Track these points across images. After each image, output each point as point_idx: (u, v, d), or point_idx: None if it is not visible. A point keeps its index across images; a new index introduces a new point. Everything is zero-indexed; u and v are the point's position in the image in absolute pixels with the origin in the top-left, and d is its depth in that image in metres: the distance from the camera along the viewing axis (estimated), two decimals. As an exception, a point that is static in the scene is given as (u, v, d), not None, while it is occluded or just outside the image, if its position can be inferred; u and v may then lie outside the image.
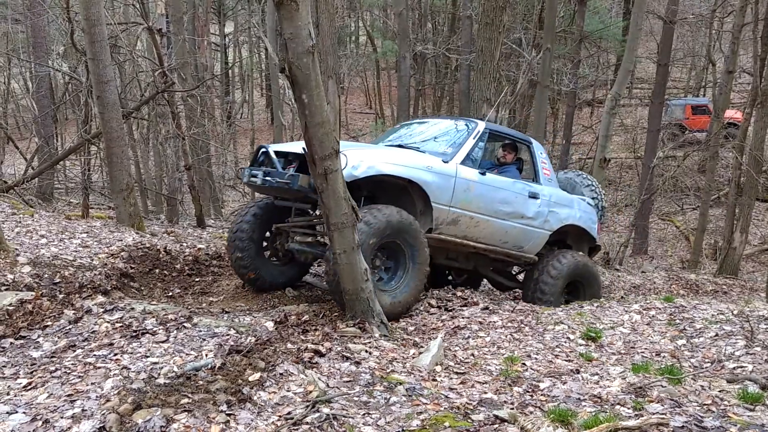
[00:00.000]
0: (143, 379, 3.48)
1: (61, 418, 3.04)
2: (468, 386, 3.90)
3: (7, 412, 3.11)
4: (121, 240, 7.38)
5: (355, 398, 3.45)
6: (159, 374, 3.56)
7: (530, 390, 3.85)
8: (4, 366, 3.79)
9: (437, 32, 23.49)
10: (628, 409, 3.45)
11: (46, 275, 5.57)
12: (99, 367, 3.68)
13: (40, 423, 2.99)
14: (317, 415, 3.14)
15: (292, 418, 3.12)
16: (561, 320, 5.51)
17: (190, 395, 3.29)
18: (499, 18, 9.55)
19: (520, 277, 7.71)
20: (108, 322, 4.47)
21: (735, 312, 5.65)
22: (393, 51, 21.99)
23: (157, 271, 6.71)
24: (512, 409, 3.47)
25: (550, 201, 6.88)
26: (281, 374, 3.65)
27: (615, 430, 3.05)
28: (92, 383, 3.45)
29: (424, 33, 23.33)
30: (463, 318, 5.57)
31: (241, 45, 30.03)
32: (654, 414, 3.28)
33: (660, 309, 5.90)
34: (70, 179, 14.23)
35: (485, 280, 7.98)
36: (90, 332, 4.31)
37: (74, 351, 4.00)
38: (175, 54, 12.07)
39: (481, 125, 6.58)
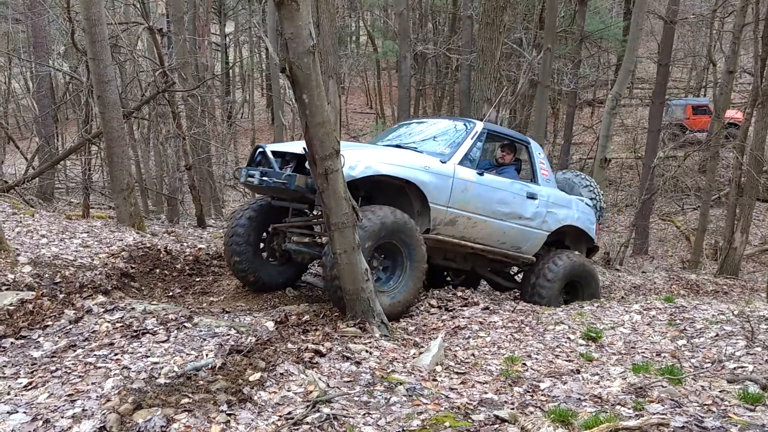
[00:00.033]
0: (144, 378, 3.48)
1: (62, 417, 3.04)
2: (468, 386, 3.90)
3: (8, 412, 3.11)
4: (122, 240, 7.38)
5: (356, 398, 3.45)
6: (159, 374, 3.56)
7: (530, 390, 3.85)
8: (4, 366, 3.79)
9: (438, 32, 23.50)
10: (629, 409, 3.45)
11: (47, 275, 5.57)
12: (99, 367, 3.68)
13: (41, 423, 2.99)
14: (318, 415, 3.14)
15: (292, 418, 3.12)
16: (561, 320, 5.51)
17: (190, 395, 3.29)
18: (499, 18, 9.56)
19: (519, 277, 7.70)
20: (108, 321, 4.47)
21: (735, 312, 5.65)
22: (393, 51, 22.00)
23: (157, 270, 6.71)
24: (512, 409, 3.47)
25: (548, 201, 6.87)
26: (282, 374, 3.65)
27: (615, 430, 3.05)
28: (93, 383, 3.45)
29: (425, 33, 23.34)
30: (463, 318, 5.57)
31: (241, 45, 30.03)
32: (654, 414, 3.28)
33: (660, 309, 5.89)
34: (71, 179, 14.22)
35: (484, 281, 7.97)
36: (90, 332, 4.31)
37: (75, 351, 4.00)
38: (175, 54, 12.08)
39: (479, 125, 6.57)
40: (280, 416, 3.16)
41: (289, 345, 4.24)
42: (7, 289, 5.10)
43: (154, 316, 4.56)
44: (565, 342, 4.96)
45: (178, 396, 3.26)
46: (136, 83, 13.71)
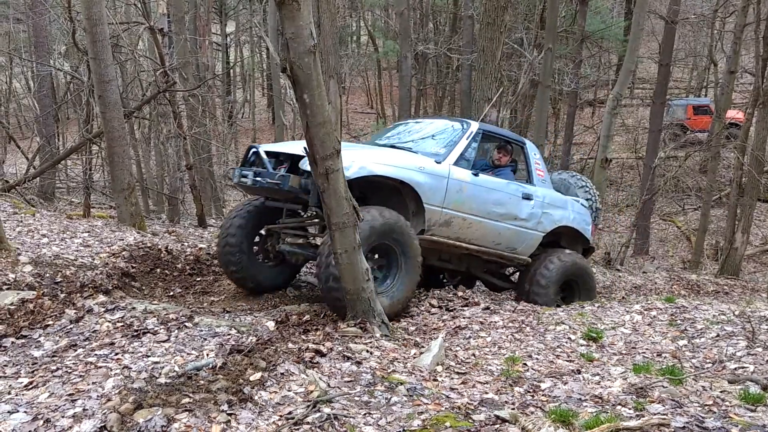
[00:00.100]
0: (144, 378, 3.48)
1: (62, 417, 3.04)
2: (469, 386, 3.89)
3: (9, 411, 3.11)
4: (123, 239, 7.38)
5: (356, 398, 3.45)
6: (160, 374, 3.56)
7: (531, 390, 3.85)
8: (5, 365, 3.79)
9: (439, 32, 23.50)
10: (629, 409, 3.44)
11: (48, 274, 5.57)
12: (100, 367, 3.68)
13: (41, 422, 2.99)
14: (318, 414, 3.14)
15: (293, 418, 3.12)
16: (562, 320, 5.51)
17: (191, 395, 3.29)
18: (500, 18, 9.55)
19: (514, 277, 7.68)
20: (109, 321, 4.47)
21: (736, 312, 5.64)
22: (394, 51, 22.00)
23: (158, 270, 6.71)
24: (513, 409, 3.47)
25: (543, 202, 6.85)
26: (282, 374, 3.65)
27: (616, 430, 3.05)
28: (93, 383, 3.45)
29: (426, 33, 23.34)
30: (464, 318, 5.57)
31: (242, 44, 30.03)
32: (655, 414, 3.28)
33: (661, 309, 5.89)
34: (72, 179, 14.22)
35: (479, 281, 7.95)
36: (91, 332, 4.31)
37: (75, 350, 4.00)
38: (176, 53, 12.07)
39: (474, 126, 6.55)
40: (281, 416, 3.16)
41: (290, 345, 4.24)
42: (8, 289, 5.11)
43: (154, 316, 4.57)
44: (566, 342, 4.96)
45: (178, 396, 3.27)
46: (137, 83, 13.72)
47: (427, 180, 5.89)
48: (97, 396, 3.26)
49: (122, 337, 4.18)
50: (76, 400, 3.23)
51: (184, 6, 14.35)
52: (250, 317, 5.44)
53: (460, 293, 6.44)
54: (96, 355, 3.88)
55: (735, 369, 4.25)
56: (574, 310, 6.02)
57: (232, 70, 28.23)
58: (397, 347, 4.54)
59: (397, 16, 16.77)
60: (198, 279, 6.87)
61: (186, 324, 4.46)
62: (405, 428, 3.11)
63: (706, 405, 3.49)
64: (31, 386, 3.47)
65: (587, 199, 7.60)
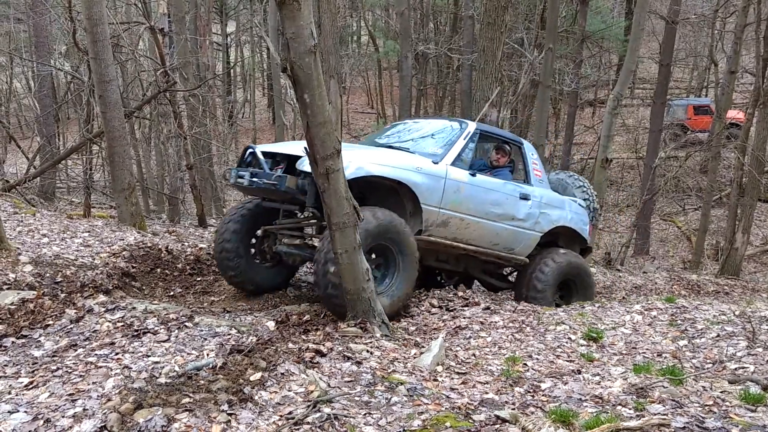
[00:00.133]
0: (144, 378, 3.48)
1: (63, 417, 3.04)
2: (469, 386, 3.89)
3: (9, 411, 3.11)
4: (123, 239, 7.38)
5: (357, 398, 3.45)
6: (160, 374, 3.56)
7: (531, 390, 3.85)
8: (5, 365, 3.79)
9: (439, 32, 23.51)
10: (630, 409, 3.44)
11: (48, 274, 5.57)
12: (100, 367, 3.68)
13: (42, 422, 3.00)
14: (318, 414, 3.14)
15: (293, 418, 3.11)
16: (562, 320, 5.51)
17: (191, 395, 3.29)
18: (501, 18, 9.55)
19: (512, 277, 7.67)
20: (109, 321, 4.47)
21: (737, 313, 5.64)
22: (395, 51, 22.01)
23: (158, 270, 6.71)
24: (513, 409, 3.47)
25: (541, 202, 6.84)
26: (282, 374, 3.65)
27: (616, 430, 3.04)
28: (93, 382, 3.45)
29: (426, 33, 23.35)
30: (464, 318, 5.56)
31: (242, 44, 30.02)
32: (655, 415, 3.28)
33: (661, 309, 5.89)
34: (72, 178, 14.23)
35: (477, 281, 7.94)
36: (91, 331, 4.31)
37: (75, 350, 4.01)
38: (176, 53, 12.08)
39: (472, 126, 6.53)
40: (281, 416, 3.16)
41: (290, 345, 4.24)
42: (8, 289, 5.11)
43: (155, 316, 4.57)
44: (566, 342, 4.96)
45: (178, 395, 3.27)
46: (137, 83, 13.72)
47: (425, 180, 5.86)
48: (98, 396, 3.27)
49: (122, 336, 4.18)
50: (76, 399, 3.24)
51: (185, 6, 14.35)
52: (251, 317, 5.44)
53: (460, 293, 6.44)
54: (96, 354, 3.88)
55: (735, 369, 4.24)
56: (574, 311, 6.02)
57: (232, 70, 28.24)
58: (397, 347, 4.54)
59: (398, 16, 16.78)
60: (198, 279, 6.87)
61: (186, 324, 4.46)
62: (405, 428, 3.11)
63: (707, 405, 3.49)
64: (31, 386, 3.47)
65: (585, 199, 7.59)
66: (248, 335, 4.40)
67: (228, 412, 3.16)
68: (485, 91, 9.59)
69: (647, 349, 4.83)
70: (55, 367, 3.71)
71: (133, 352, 3.92)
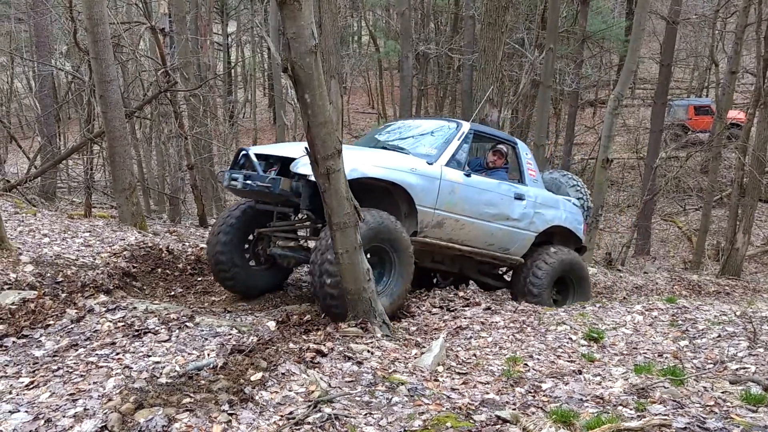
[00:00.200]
0: (145, 378, 3.48)
1: (63, 417, 3.04)
2: (470, 387, 3.89)
3: (10, 411, 3.12)
4: (124, 239, 7.39)
5: (357, 398, 3.45)
6: (161, 373, 3.56)
7: (532, 390, 3.85)
8: (6, 365, 3.79)
9: (440, 32, 23.50)
10: (631, 410, 3.44)
11: (49, 274, 5.58)
12: (101, 367, 3.68)
13: (42, 422, 3.00)
14: (319, 415, 3.13)
15: (293, 418, 3.11)
16: (563, 321, 5.51)
17: (192, 395, 3.29)
18: (501, 18, 9.54)
19: (508, 275, 7.65)
20: (110, 321, 4.47)
21: (738, 313, 5.64)
22: (395, 51, 22.02)
23: (159, 270, 6.71)
24: (514, 409, 3.47)
25: (535, 202, 6.83)
26: (283, 374, 3.65)
27: (617, 431, 3.04)
28: (94, 382, 3.45)
29: (427, 33, 23.35)
30: (465, 318, 5.56)
31: (243, 44, 30.02)
32: (656, 415, 3.27)
33: (662, 310, 5.89)
34: (73, 178, 14.24)
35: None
36: (92, 331, 4.31)
37: (76, 350, 4.01)
38: (177, 53, 12.09)
39: (466, 126, 6.52)
40: (282, 416, 3.16)
41: (291, 345, 4.24)
42: (9, 288, 5.11)
43: (155, 316, 4.57)
44: (567, 342, 4.96)
45: (179, 395, 3.27)
46: (138, 83, 13.72)
47: (419, 181, 5.84)
48: (98, 396, 3.27)
49: (123, 336, 4.18)
50: (77, 399, 3.24)
51: (186, 6, 14.36)
52: (251, 317, 5.45)
53: (461, 293, 6.44)
54: (97, 354, 3.88)
55: (736, 370, 4.24)
56: (575, 311, 6.02)
57: (233, 70, 28.25)
58: (398, 347, 4.54)
59: (399, 16, 16.78)
60: (199, 279, 6.87)
61: (187, 324, 4.46)
62: (406, 428, 3.11)
63: (708, 406, 3.48)
64: (32, 386, 3.47)
65: (578, 198, 7.59)
66: (249, 335, 4.40)
67: (229, 412, 3.16)
68: (486, 91, 9.58)
69: (648, 349, 4.83)
70: (55, 367, 3.71)
71: (133, 352, 3.92)
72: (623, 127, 22.59)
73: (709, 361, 4.48)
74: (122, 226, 8.35)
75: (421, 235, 6.02)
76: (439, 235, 6.16)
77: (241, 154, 6.08)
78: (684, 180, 20.44)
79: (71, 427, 2.95)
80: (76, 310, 4.69)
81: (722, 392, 3.74)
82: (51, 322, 4.47)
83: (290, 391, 3.45)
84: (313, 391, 3.43)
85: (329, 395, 3.39)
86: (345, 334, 4.60)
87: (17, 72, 24.14)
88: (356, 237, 4.64)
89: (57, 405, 3.18)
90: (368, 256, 5.46)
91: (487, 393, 3.76)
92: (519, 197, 6.68)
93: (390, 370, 3.98)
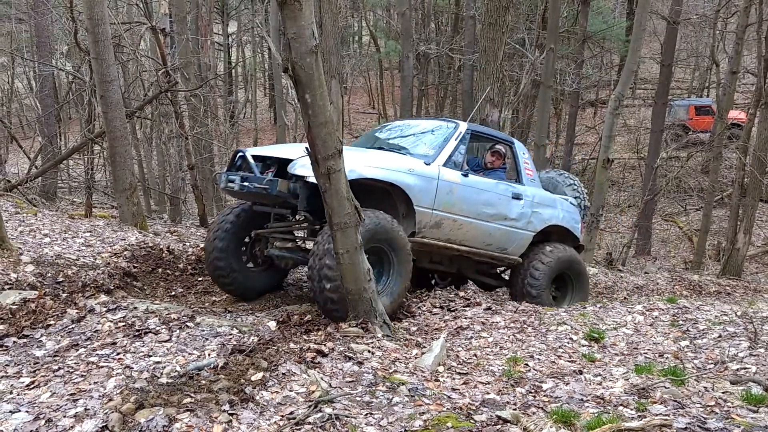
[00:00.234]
0: (146, 378, 3.48)
1: (64, 417, 3.04)
2: (471, 387, 3.89)
3: (10, 411, 3.12)
4: (124, 239, 7.39)
5: (358, 398, 3.45)
6: (162, 374, 3.56)
7: (533, 391, 3.85)
8: (7, 365, 3.79)
9: (440, 32, 23.51)
10: (631, 410, 3.44)
11: (50, 274, 5.58)
12: (102, 367, 3.68)
13: (43, 422, 3.00)
14: (320, 415, 3.13)
15: (294, 418, 3.11)
16: (564, 321, 5.51)
17: (192, 395, 3.29)
18: (502, 18, 9.54)
19: (506, 274, 7.65)
20: (111, 321, 4.47)
21: (738, 313, 5.63)
22: (396, 51, 22.01)
23: (160, 270, 6.71)
24: (515, 409, 3.47)
25: (533, 202, 6.83)
26: (284, 374, 3.65)
27: (618, 431, 3.04)
28: (95, 382, 3.45)
29: (428, 33, 23.34)
30: (465, 318, 5.56)
31: (244, 44, 30.02)
32: (657, 415, 3.27)
33: (663, 310, 5.88)
34: (74, 178, 14.25)
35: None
36: (93, 331, 4.31)
37: (77, 350, 4.01)
38: (178, 53, 12.10)
39: (463, 126, 6.51)
40: (282, 416, 3.16)
41: (292, 345, 4.24)
42: (10, 288, 5.11)
43: (156, 316, 4.57)
44: (568, 342, 4.95)
45: (180, 395, 3.27)
46: (138, 83, 13.73)
47: (417, 182, 5.82)
48: (99, 396, 3.27)
49: (124, 336, 4.18)
50: (77, 399, 3.24)
51: (186, 6, 14.37)
52: (252, 317, 5.45)
53: (461, 294, 6.43)
54: (98, 354, 3.88)
55: (737, 370, 4.24)
56: (575, 311, 6.02)
57: (233, 70, 28.25)
58: (398, 347, 4.54)
59: (399, 17, 16.79)
60: (200, 279, 6.87)
61: (188, 324, 4.46)
62: (406, 428, 3.11)
63: (708, 406, 3.48)
64: (32, 386, 3.47)
65: (575, 197, 7.59)
66: (250, 335, 4.40)
67: (229, 412, 3.16)
68: (487, 91, 9.59)
69: (649, 349, 4.83)
70: (56, 367, 3.71)
71: (134, 352, 3.92)
72: (624, 128, 22.59)
73: (710, 362, 4.48)
74: (123, 226, 8.35)
75: (419, 236, 6.00)
76: (437, 236, 6.15)
77: (237, 156, 6.04)
78: (685, 180, 20.44)
79: (72, 427, 2.95)
80: (76, 310, 4.69)
81: (723, 392, 3.73)
82: (52, 322, 4.47)
83: (291, 391, 3.45)
84: (313, 391, 3.43)
85: (330, 395, 3.39)
86: (346, 334, 4.60)
87: (18, 72, 24.15)
88: (357, 237, 4.64)
89: (58, 405, 3.18)
90: (367, 256, 5.47)
91: (488, 393, 3.76)
92: (516, 197, 6.68)
93: (391, 370, 3.98)
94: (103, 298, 5.05)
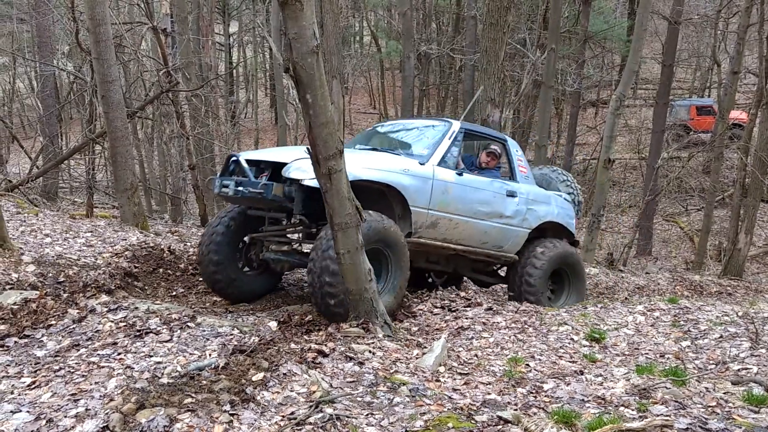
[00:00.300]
0: (147, 378, 3.48)
1: (65, 417, 3.05)
2: (471, 387, 3.89)
3: (11, 411, 3.12)
4: (125, 239, 7.39)
5: (359, 399, 3.45)
6: (162, 374, 3.56)
7: (534, 391, 3.84)
8: (8, 365, 3.79)
9: (441, 32, 23.53)
10: (633, 410, 3.44)
11: (51, 274, 5.58)
12: (103, 367, 3.68)
13: (44, 422, 3.00)
14: (320, 415, 3.13)
15: (295, 419, 3.11)
16: (565, 321, 5.50)
17: (193, 395, 3.29)
18: (503, 18, 9.54)
19: (503, 271, 7.65)
20: (112, 321, 4.47)
21: (740, 313, 5.63)
22: (397, 51, 22.02)
23: (161, 270, 6.71)
24: (516, 410, 3.47)
25: (527, 199, 6.84)
26: (284, 374, 3.65)
27: (619, 431, 3.04)
28: (96, 382, 3.45)
29: (429, 33, 23.37)
30: (466, 319, 5.56)
31: (245, 45, 30.05)
32: (658, 416, 3.27)
33: (664, 310, 5.88)
34: (75, 178, 14.27)
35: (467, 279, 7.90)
36: (94, 331, 4.32)
37: (78, 350, 4.01)
38: (179, 54, 12.11)
39: (456, 125, 6.50)
40: (283, 416, 3.16)
41: (292, 345, 4.24)
42: (11, 288, 5.12)
43: (157, 316, 4.57)
44: (569, 343, 4.95)
45: (181, 396, 3.27)
46: (140, 83, 13.75)
47: (413, 182, 5.81)
48: (100, 396, 3.27)
49: (125, 337, 4.18)
50: (78, 399, 3.24)
51: (187, 6, 14.38)
52: (253, 317, 5.45)
53: (462, 294, 6.43)
54: (98, 354, 3.88)
55: (738, 370, 4.23)
56: (576, 311, 6.02)
57: (235, 71, 28.25)
58: (399, 348, 4.54)
59: (400, 17, 16.79)
60: (200, 279, 6.86)
61: (188, 324, 4.46)
62: (407, 429, 3.11)
63: (710, 406, 3.48)
64: (33, 386, 3.47)
65: (569, 193, 7.59)
66: (250, 335, 4.40)
67: (230, 412, 3.15)
68: (488, 91, 9.58)
69: (650, 349, 4.82)
70: (57, 367, 3.71)
71: (135, 352, 3.92)
72: (625, 128, 22.56)
73: (711, 362, 4.48)
74: (124, 226, 8.36)
75: (415, 236, 5.99)
76: (433, 236, 6.14)
77: (231, 161, 6.00)
78: (686, 180, 20.43)
79: (73, 427, 2.96)
80: (77, 310, 4.69)
81: (724, 393, 3.73)
82: (53, 322, 4.47)
83: (292, 391, 3.45)
84: (314, 392, 3.43)
85: (331, 395, 3.39)
86: (346, 334, 4.59)
87: (19, 72, 24.18)
88: (358, 237, 4.64)
89: (59, 405, 3.18)
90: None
91: (489, 393, 3.75)
92: (511, 194, 6.68)
93: (391, 371, 3.98)
94: (104, 298, 5.05)
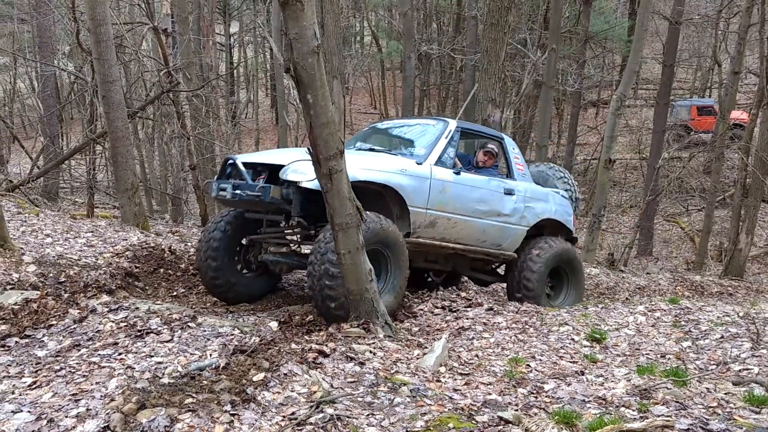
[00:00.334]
0: (147, 378, 3.48)
1: (66, 417, 3.05)
2: (472, 387, 3.89)
3: (12, 411, 3.12)
4: (126, 239, 7.39)
5: (359, 399, 3.45)
6: (163, 374, 3.56)
7: (535, 391, 3.84)
8: (9, 365, 3.79)
9: (442, 32, 23.52)
10: (633, 411, 3.43)
11: (51, 274, 5.58)
12: (103, 367, 3.68)
13: (45, 422, 3.00)
14: (321, 415, 3.13)
15: (296, 419, 3.11)
16: (565, 321, 5.50)
17: (194, 395, 3.29)
18: (504, 18, 9.54)
19: (501, 269, 7.64)
20: (113, 321, 4.47)
21: (741, 314, 5.62)
22: (398, 51, 22.02)
23: (161, 270, 6.71)
24: (516, 410, 3.46)
25: (525, 196, 6.83)
26: (285, 374, 3.65)
27: (620, 431, 3.04)
28: (97, 382, 3.45)
29: (429, 33, 23.36)
30: (467, 319, 5.56)
31: (246, 45, 30.06)
32: (659, 416, 3.27)
33: (665, 310, 5.87)
34: (76, 178, 14.28)
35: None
36: (95, 331, 4.32)
37: (79, 350, 4.01)
38: (180, 54, 12.11)
39: (452, 124, 6.49)
40: (284, 416, 3.16)
41: (293, 345, 4.24)
42: (11, 289, 5.12)
43: (158, 316, 4.57)
44: (570, 343, 4.95)
45: (181, 396, 3.27)
46: (140, 83, 13.76)
47: (410, 182, 5.80)
48: (101, 396, 3.27)
49: (125, 337, 4.18)
50: (79, 399, 3.24)
51: (188, 6, 14.39)
52: (254, 317, 5.45)
53: (463, 294, 6.43)
54: (99, 355, 3.88)
55: (739, 371, 4.23)
56: (577, 311, 6.02)
57: (235, 71, 28.27)
58: (400, 348, 4.54)
59: (401, 17, 16.80)
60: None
61: (189, 324, 4.46)
62: (408, 429, 3.11)
63: (711, 407, 3.48)
64: (34, 386, 3.47)
65: (566, 190, 7.59)
66: (251, 336, 4.40)
67: (231, 412, 3.15)
68: (488, 91, 9.58)
69: (651, 350, 4.82)
70: (58, 367, 3.71)
71: (136, 353, 3.92)
72: (626, 128, 22.55)
73: (712, 363, 4.47)
74: (125, 226, 8.36)
75: (414, 236, 5.98)
76: (432, 235, 6.14)
77: (227, 163, 5.98)
78: (687, 180, 20.42)
79: (74, 427, 2.96)
80: (78, 311, 4.69)
81: (725, 393, 3.73)
82: (53, 323, 4.47)
83: (292, 391, 3.45)
84: (315, 392, 3.43)
85: (331, 396, 3.39)
86: (347, 334, 4.59)
87: (20, 72, 24.19)
88: (358, 237, 4.64)
89: (59, 405, 3.18)
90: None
91: (490, 394, 3.75)
92: (509, 192, 6.67)
93: (392, 371, 3.98)
94: (105, 298, 5.05)
